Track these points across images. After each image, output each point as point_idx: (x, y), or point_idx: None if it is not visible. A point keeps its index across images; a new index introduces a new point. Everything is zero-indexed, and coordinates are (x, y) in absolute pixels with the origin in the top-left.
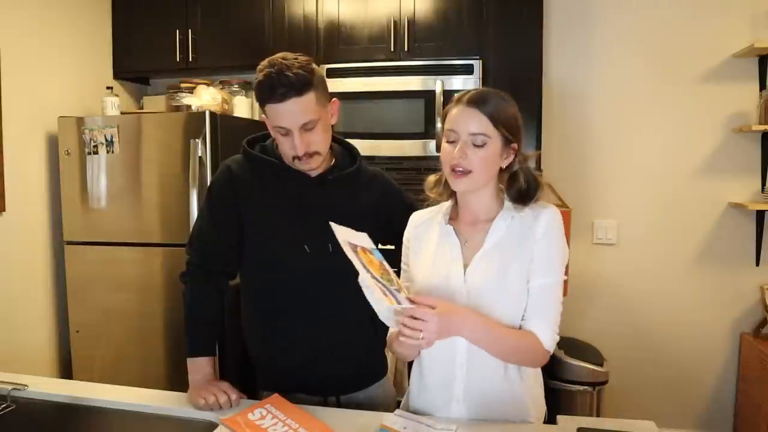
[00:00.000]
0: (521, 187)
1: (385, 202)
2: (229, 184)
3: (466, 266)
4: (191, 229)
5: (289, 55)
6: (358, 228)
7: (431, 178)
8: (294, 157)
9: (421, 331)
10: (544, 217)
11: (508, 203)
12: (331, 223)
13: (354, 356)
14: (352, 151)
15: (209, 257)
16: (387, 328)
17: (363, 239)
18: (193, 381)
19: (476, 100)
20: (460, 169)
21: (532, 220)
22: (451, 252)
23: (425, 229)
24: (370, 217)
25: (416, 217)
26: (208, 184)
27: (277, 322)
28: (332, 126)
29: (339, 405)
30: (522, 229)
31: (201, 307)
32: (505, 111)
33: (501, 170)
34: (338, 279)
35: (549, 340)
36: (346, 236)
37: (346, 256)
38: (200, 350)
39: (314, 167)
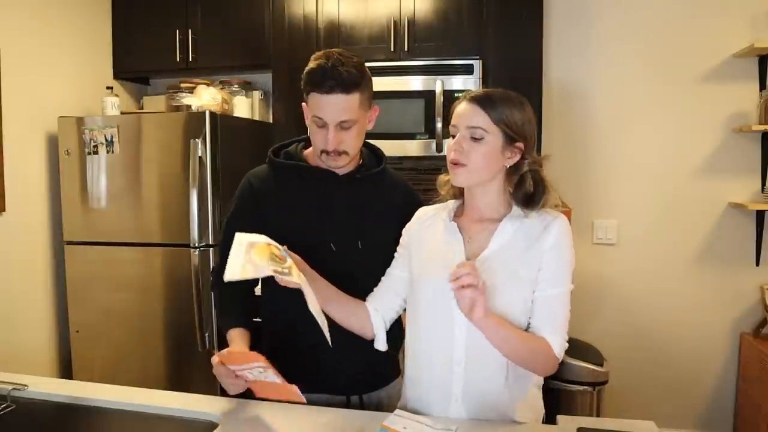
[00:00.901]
0: (528, 191)
1: (406, 205)
2: (251, 198)
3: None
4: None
5: (346, 53)
6: (383, 226)
7: (443, 176)
8: (323, 151)
9: (471, 289)
10: (555, 227)
11: (516, 208)
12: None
13: (373, 356)
14: (378, 152)
15: None
16: (402, 328)
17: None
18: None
19: (478, 97)
20: (456, 162)
21: (541, 227)
22: (454, 249)
23: (430, 224)
24: (394, 218)
25: (422, 212)
26: (232, 196)
27: (298, 326)
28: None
29: (362, 403)
30: (529, 234)
31: (231, 297)
32: (509, 108)
33: (510, 172)
34: (364, 278)
35: (559, 347)
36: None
37: (372, 255)
38: (230, 323)
39: (340, 166)
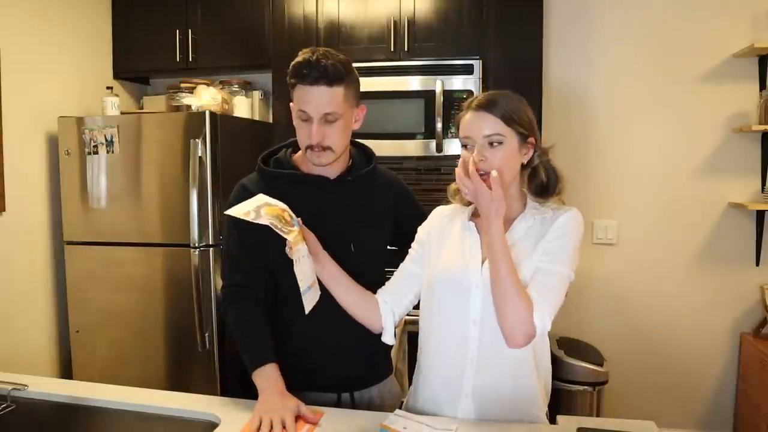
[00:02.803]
0: (542, 181)
1: (399, 205)
2: None
3: (484, 261)
4: (223, 256)
5: (333, 51)
6: (376, 227)
7: (453, 186)
8: (307, 147)
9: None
10: (566, 213)
11: (531, 204)
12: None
13: (367, 354)
14: (367, 151)
15: (250, 281)
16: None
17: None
18: (261, 391)
19: (484, 104)
20: (483, 172)
21: (554, 219)
22: (471, 247)
23: (448, 222)
24: (387, 217)
25: (440, 211)
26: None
27: (294, 327)
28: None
29: (353, 401)
30: (542, 229)
31: (246, 320)
32: (516, 108)
33: (522, 167)
34: (358, 280)
35: (539, 318)
36: (247, 208)
37: (364, 257)
38: (259, 360)
39: (324, 163)
